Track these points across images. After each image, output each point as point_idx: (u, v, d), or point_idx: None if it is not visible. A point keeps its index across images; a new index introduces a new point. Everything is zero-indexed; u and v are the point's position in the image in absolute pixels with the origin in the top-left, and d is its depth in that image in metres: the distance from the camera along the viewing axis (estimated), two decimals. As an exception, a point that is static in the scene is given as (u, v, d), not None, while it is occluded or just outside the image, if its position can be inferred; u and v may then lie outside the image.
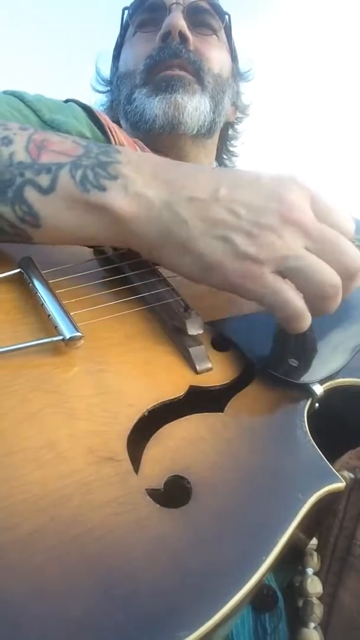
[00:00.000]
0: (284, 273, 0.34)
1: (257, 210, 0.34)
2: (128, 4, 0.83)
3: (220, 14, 0.80)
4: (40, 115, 0.62)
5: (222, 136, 0.91)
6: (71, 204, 0.35)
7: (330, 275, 0.33)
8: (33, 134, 0.38)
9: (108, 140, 0.67)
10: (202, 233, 0.34)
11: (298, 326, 0.35)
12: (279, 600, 0.36)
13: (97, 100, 0.93)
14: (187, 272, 0.36)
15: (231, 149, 0.97)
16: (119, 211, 0.35)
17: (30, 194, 0.35)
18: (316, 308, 0.35)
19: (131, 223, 0.35)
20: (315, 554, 0.37)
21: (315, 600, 0.35)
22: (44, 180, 0.35)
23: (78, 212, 0.35)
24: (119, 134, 0.69)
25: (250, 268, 0.33)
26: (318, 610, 0.35)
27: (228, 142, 0.95)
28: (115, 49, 0.87)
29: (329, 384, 0.36)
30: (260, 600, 0.35)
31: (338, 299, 0.35)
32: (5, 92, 0.65)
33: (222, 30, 0.81)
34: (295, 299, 0.34)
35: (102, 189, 0.35)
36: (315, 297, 0.34)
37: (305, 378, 0.36)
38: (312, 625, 0.34)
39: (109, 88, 0.90)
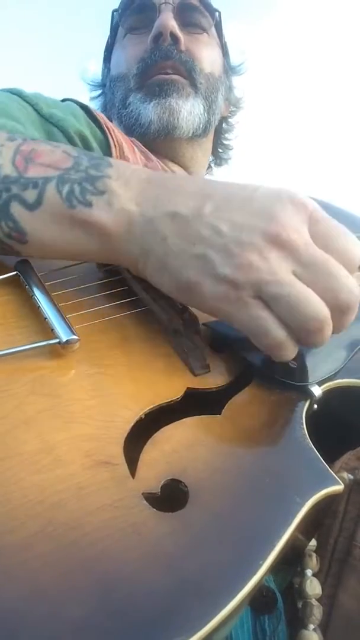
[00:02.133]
0: (264, 299, 0.31)
1: (241, 228, 0.31)
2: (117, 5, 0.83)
3: (211, 11, 0.80)
4: (38, 109, 0.62)
5: (217, 130, 0.91)
6: (57, 220, 0.34)
7: (316, 308, 0.30)
8: (21, 144, 0.37)
9: (106, 139, 0.67)
10: (180, 250, 0.32)
11: (279, 356, 0.33)
12: (278, 601, 0.36)
13: (89, 103, 0.93)
14: (168, 291, 0.34)
15: (226, 142, 0.97)
16: (102, 227, 0.34)
17: (17, 210, 0.35)
18: (301, 340, 0.32)
19: (115, 239, 0.34)
20: (314, 555, 0.37)
21: (314, 602, 0.35)
22: (31, 195, 0.34)
23: (64, 228, 0.34)
24: (116, 132, 0.69)
25: (226, 291, 0.31)
26: (317, 611, 0.35)
27: (223, 136, 0.95)
28: (105, 50, 0.87)
29: (327, 385, 0.36)
30: (259, 602, 0.35)
31: (325, 334, 0.31)
32: (2, 90, 0.65)
33: (213, 27, 0.81)
34: (274, 329, 0.31)
35: (88, 204, 0.34)
36: (298, 330, 0.31)
37: (303, 379, 0.36)
38: (312, 626, 0.34)
39: (101, 90, 0.89)
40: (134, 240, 0.34)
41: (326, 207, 0.35)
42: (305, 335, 0.31)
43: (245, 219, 0.31)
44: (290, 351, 0.32)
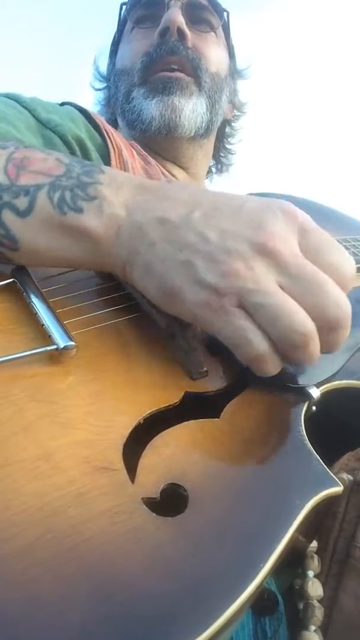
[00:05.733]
0: (247, 308, 0.30)
1: (228, 236, 0.30)
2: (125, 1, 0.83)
3: (219, 11, 0.80)
4: (35, 114, 0.62)
5: (219, 134, 0.91)
6: (48, 227, 0.34)
7: (300, 321, 0.29)
8: (13, 152, 0.37)
9: (105, 143, 0.67)
10: (166, 256, 0.31)
11: (260, 369, 0.31)
12: (279, 603, 0.36)
13: (94, 97, 0.93)
14: (152, 297, 0.34)
15: (228, 146, 0.97)
16: (92, 232, 0.33)
17: (8, 217, 0.34)
18: (286, 355, 0.31)
19: (104, 244, 0.34)
20: (315, 556, 0.37)
21: (315, 603, 0.35)
22: (22, 202, 0.34)
23: (54, 235, 0.34)
24: (115, 136, 0.69)
25: (208, 298, 0.30)
26: (319, 612, 0.35)
27: (225, 140, 0.95)
28: (112, 45, 0.87)
29: (326, 387, 0.36)
30: (260, 604, 0.36)
31: (310, 349, 0.30)
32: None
33: (220, 28, 0.81)
34: (256, 340, 0.30)
35: (79, 210, 0.34)
36: (280, 343, 0.30)
37: (301, 381, 0.36)
38: (313, 628, 0.34)
39: (106, 84, 0.89)
40: (122, 244, 0.33)
41: (323, 210, 0.35)
42: (288, 349, 0.30)
43: (233, 227, 0.31)
44: (272, 366, 0.31)
